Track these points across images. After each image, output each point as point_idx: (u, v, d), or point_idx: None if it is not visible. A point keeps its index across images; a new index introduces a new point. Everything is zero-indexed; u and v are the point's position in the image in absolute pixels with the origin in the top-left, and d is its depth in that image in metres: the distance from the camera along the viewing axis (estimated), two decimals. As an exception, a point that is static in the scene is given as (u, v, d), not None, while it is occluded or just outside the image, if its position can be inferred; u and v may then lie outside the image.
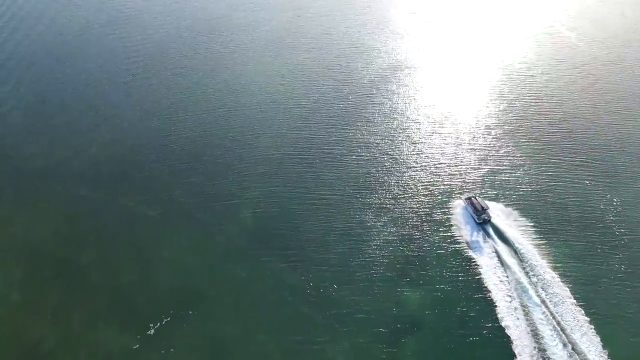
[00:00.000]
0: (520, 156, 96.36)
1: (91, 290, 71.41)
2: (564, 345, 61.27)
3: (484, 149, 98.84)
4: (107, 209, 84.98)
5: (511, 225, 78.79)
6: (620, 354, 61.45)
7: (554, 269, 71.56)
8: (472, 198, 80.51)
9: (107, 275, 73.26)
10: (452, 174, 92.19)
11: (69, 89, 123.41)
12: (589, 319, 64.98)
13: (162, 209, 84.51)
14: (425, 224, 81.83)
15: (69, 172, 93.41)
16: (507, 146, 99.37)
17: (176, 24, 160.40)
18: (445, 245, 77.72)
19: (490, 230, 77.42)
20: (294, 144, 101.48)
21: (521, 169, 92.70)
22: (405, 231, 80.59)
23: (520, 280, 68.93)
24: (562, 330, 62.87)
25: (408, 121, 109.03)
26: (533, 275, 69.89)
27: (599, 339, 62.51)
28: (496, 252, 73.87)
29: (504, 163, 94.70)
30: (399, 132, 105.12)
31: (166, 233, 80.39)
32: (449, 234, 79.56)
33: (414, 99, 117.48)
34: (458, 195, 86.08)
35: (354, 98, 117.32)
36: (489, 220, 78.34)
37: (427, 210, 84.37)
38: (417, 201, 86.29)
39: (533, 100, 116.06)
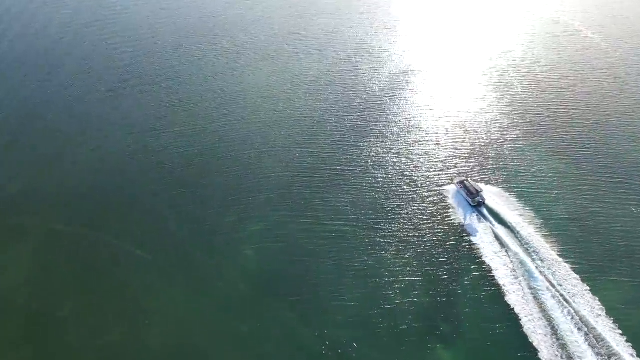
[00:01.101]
0: (553, 174, 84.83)
1: (68, 352, 59.53)
2: None
3: (511, 154, 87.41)
4: (89, 247, 72.78)
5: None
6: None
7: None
8: (465, 181, 78.33)
9: (87, 333, 61.18)
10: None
11: (53, 99, 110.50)
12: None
13: (152, 247, 72.43)
14: (449, 252, 70.53)
15: (46, 201, 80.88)
16: (540, 158, 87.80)
17: (169, 25, 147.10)
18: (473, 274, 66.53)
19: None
20: (301, 163, 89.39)
21: (556, 190, 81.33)
22: (431, 269, 69.06)
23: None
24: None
25: (425, 134, 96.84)
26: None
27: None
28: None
29: (535, 174, 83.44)
30: (415, 146, 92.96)
31: (157, 277, 68.40)
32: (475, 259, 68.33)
33: (429, 107, 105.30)
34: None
35: (365, 108, 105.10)
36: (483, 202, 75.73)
37: (447, 239, 73.02)
38: (437, 230, 74.84)
39: (556, 105, 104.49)
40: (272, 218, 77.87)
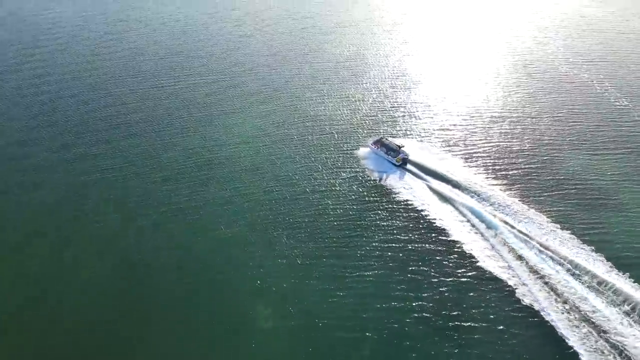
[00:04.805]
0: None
1: None
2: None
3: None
4: None
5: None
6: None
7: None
8: (382, 139, 66.01)
9: None
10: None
11: None
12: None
13: None
14: None
15: None
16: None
17: (120, 44, 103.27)
18: None
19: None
20: (312, 262, 44.60)
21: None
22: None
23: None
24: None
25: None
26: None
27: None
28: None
29: None
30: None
31: None
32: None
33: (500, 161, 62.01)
34: None
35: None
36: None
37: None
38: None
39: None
40: None
